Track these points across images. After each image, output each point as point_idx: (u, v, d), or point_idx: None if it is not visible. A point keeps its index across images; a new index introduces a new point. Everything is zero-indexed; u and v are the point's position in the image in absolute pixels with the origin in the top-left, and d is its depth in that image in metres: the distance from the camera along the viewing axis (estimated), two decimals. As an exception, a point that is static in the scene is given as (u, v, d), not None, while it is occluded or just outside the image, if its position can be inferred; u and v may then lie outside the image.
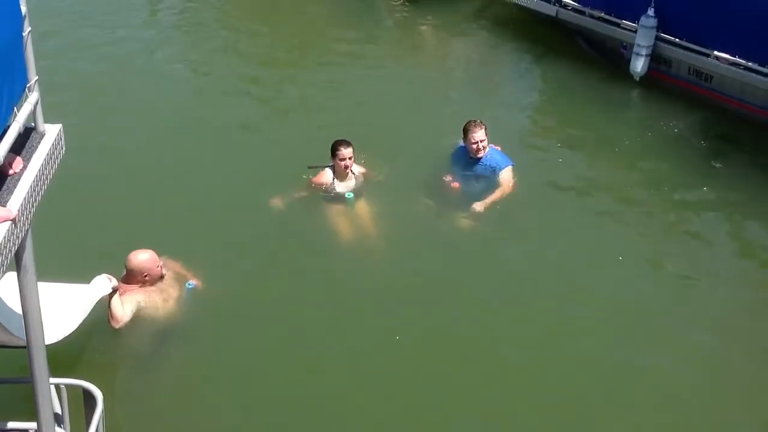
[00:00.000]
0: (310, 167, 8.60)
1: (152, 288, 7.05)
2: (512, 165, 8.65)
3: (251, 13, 12.97)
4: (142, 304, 6.95)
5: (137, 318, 6.91)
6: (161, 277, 7.10)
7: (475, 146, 8.48)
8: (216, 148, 9.54)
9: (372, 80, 11.09)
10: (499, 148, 8.78)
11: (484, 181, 8.60)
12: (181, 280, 7.33)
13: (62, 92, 9.72)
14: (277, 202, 8.38)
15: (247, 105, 10.50)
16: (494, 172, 8.58)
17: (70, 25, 12.00)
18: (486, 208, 8.39)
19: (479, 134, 8.45)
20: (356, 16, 12.55)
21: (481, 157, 8.55)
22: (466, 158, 8.63)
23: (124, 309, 6.75)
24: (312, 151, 8.85)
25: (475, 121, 8.53)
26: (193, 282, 7.33)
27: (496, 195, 8.48)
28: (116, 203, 8.49)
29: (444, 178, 8.68)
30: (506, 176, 8.57)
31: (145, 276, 6.98)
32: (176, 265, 7.42)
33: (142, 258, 6.98)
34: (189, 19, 12.72)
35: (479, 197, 8.48)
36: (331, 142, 8.48)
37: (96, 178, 8.72)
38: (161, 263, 7.09)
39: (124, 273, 7.01)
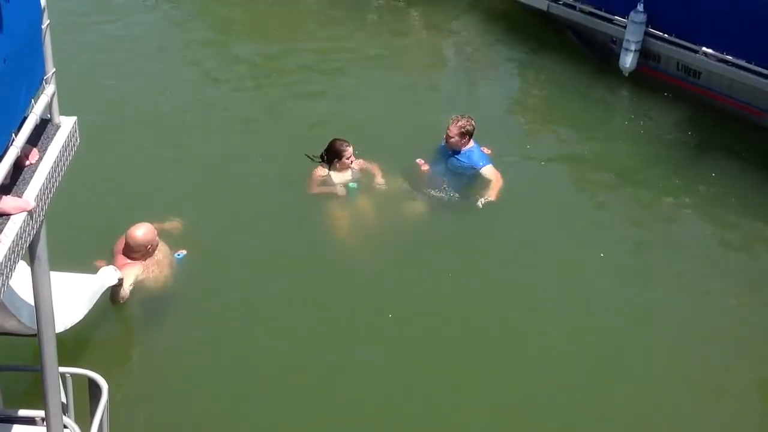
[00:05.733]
0: (307, 155, 8.69)
1: (148, 260, 7.19)
2: (491, 164, 8.76)
3: (245, 5, 12.98)
4: (140, 276, 7.06)
5: (137, 290, 7.03)
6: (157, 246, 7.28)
7: (445, 137, 8.74)
8: (212, 136, 9.62)
9: (362, 74, 11.11)
10: (489, 152, 8.89)
11: (459, 177, 8.73)
12: (172, 250, 7.50)
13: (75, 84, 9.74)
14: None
15: (243, 96, 10.56)
16: (471, 169, 8.72)
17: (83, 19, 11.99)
18: (485, 203, 8.55)
19: (450, 129, 8.67)
20: (347, 9, 12.56)
21: (453, 150, 8.70)
22: (446, 152, 8.83)
23: (123, 287, 6.87)
24: (305, 142, 8.92)
25: (456, 117, 8.73)
26: (182, 252, 7.49)
27: (492, 192, 8.63)
28: (109, 185, 8.58)
29: (417, 161, 8.85)
30: (489, 172, 8.70)
31: (149, 248, 7.13)
32: (165, 226, 7.64)
33: (143, 231, 7.12)
34: (184, 13, 12.71)
35: (451, 188, 8.64)
36: (326, 138, 8.59)
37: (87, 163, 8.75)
38: (157, 233, 7.25)
39: (123, 246, 7.13)
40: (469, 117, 8.74)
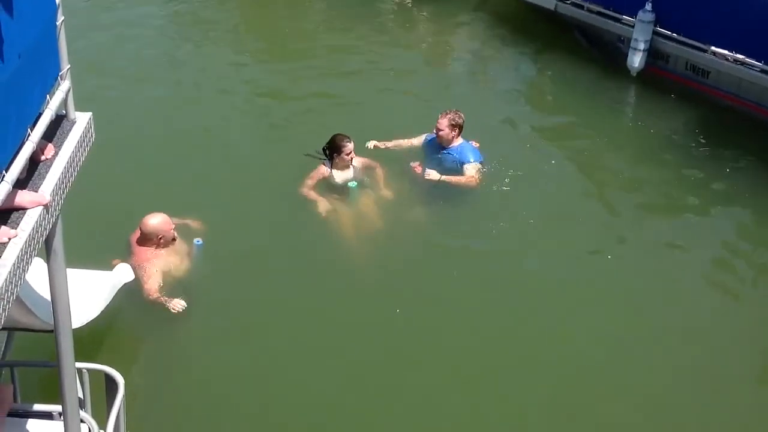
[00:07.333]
0: (306, 155, 8.77)
1: (166, 251, 7.29)
2: (480, 161, 8.81)
3: (253, 6, 13.05)
4: (164, 269, 7.19)
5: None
6: (173, 239, 7.36)
7: (435, 131, 8.81)
8: (226, 135, 9.71)
9: (369, 73, 11.14)
10: (477, 145, 8.94)
11: (451, 173, 8.75)
12: (189, 240, 7.61)
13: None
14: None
15: (250, 95, 10.62)
16: (461, 165, 8.76)
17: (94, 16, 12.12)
18: (439, 179, 8.62)
19: (440, 122, 8.74)
20: (354, 10, 12.61)
21: (442, 145, 8.78)
22: (436, 147, 8.89)
23: (151, 282, 7.02)
24: (311, 139, 8.98)
25: (445, 111, 8.80)
26: (200, 240, 7.62)
27: (456, 179, 8.69)
28: (122, 180, 8.67)
29: (411, 164, 8.87)
30: (469, 170, 8.75)
31: (160, 238, 7.25)
32: (187, 221, 7.77)
33: (157, 221, 7.25)
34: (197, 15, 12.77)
35: (442, 184, 8.68)
36: (328, 135, 8.64)
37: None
38: (173, 225, 7.33)
39: (138, 236, 7.24)
40: (456, 110, 8.80)
